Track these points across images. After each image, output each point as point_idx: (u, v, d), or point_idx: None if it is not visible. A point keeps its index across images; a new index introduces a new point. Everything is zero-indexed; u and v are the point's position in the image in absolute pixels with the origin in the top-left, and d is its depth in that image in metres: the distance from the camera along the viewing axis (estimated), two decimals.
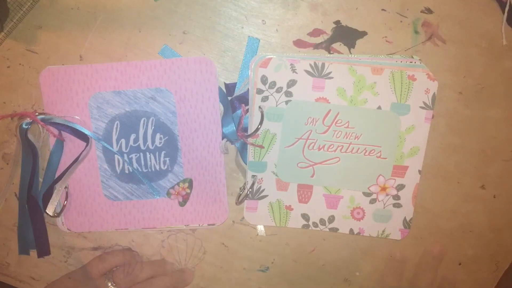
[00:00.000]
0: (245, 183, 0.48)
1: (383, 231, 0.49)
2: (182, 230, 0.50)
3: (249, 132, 0.46)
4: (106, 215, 0.48)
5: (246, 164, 0.47)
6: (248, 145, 0.46)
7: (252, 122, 0.46)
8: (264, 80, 0.45)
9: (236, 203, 0.48)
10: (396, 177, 0.48)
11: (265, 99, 0.45)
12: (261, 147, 0.46)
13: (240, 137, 0.46)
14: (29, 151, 0.45)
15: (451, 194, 0.50)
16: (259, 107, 0.45)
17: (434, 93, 0.46)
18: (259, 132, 0.46)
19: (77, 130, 0.45)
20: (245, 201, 0.48)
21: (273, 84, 0.45)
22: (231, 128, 0.46)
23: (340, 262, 0.51)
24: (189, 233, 0.50)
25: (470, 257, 0.51)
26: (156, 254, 0.50)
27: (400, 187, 0.48)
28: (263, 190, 0.48)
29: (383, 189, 0.48)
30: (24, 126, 0.44)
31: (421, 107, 0.46)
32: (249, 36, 0.46)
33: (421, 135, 0.47)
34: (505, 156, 0.49)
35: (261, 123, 0.45)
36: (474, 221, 0.50)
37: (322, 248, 0.50)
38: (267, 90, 0.45)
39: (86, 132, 0.45)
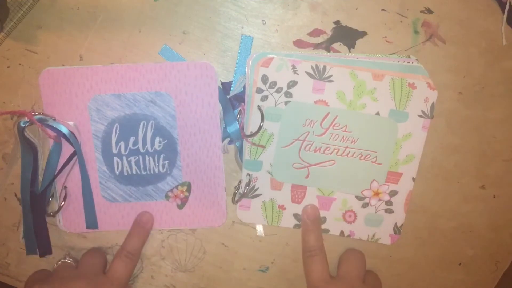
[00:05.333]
0: (239, 181, 0.48)
1: (373, 235, 0.49)
2: (182, 230, 0.50)
3: (249, 131, 0.46)
4: (104, 216, 0.48)
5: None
6: (245, 144, 0.46)
7: (250, 121, 0.46)
8: (264, 79, 0.45)
9: (232, 202, 0.48)
10: (389, 183, 0.48)
11: (264, 98, 0.45)
12: (262, 147, 0.46)
13: (242, 136, 0.46)
14: (29, 149, 0.46)
15: (451, 194, 0.50)
16: (258, 106, 0.45)
17: (433, 103, 0.46)
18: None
19: (70, 136, 0.45)
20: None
21: (273, 84, 0.45)
22: (235, 127, 0.46)
23: None
24: (189, 233, 0.50)
25: (470, 257, 0.51)
26: (156, 254, 0.50)
27: (393, 193, 0.48)
28: (257, 188, 0.48)
29: (376, 194, 0.48)
30: (22, 124, 0.44)
31: (419, 116, 0.46)
32: (242, 35, 0.46)
33: (417, 143, 0.47)
34: (505, 156, 0.49)
35: (262, 121, 0.45)
36: (474, 221, 0.50)
37: None
38: (267, 89, 0.45)
39: (72, 141, 0.45)
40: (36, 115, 0.45)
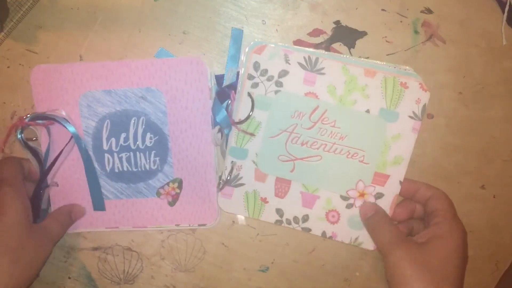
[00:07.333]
0: (224, 169, 0.47)
1: (356, 239, 0.48)
2: (182, 230, 0.50)
3: (240, 117, 0.45)
4: (95, 213, 0.48)
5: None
6: (233, 130, 0.46)
7: (240, 107, 0.46)
8: (256, 66, 0.45)
9: (217, 190, 0.47)
10: (376, 184, 0.46)
11: (255, 85, 0.45)
12: (253, 135, 0.46)
13: (232, 123, 0.45)
14: (35, 153, 0.45)
15: (451, 194, 0.49)
16: (248, 93, 0.45)
17: (424, 104, 0.45)
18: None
19: (62, 127, 0.45)
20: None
21: (264, 71, 0.45)
22: (223, 114, 0.45)
23: (340, 262, 0.51)
24: (189, 233, 0.50)
25: (470, 257, 0.51)
26: (156, 254, 0.50)
27: (379, 195, 0.47)
28: (240, 177, 0.47)
29: (362, 195, 0.47)
30: (19, 135, 0.44)
31: (409, 117, 0.45)
32: (232, 27, 0.46)
33: (406, 145, 0.46)
34: (505, 156, 0.49)
35: (252, 109, 0.45)
36: (474, 221, 0.50)
37: (322, 248, 0.50)
38: (258, 77, 0.45)
39: (68, 127, 0.45)
40: (27, 117, 0.44)
